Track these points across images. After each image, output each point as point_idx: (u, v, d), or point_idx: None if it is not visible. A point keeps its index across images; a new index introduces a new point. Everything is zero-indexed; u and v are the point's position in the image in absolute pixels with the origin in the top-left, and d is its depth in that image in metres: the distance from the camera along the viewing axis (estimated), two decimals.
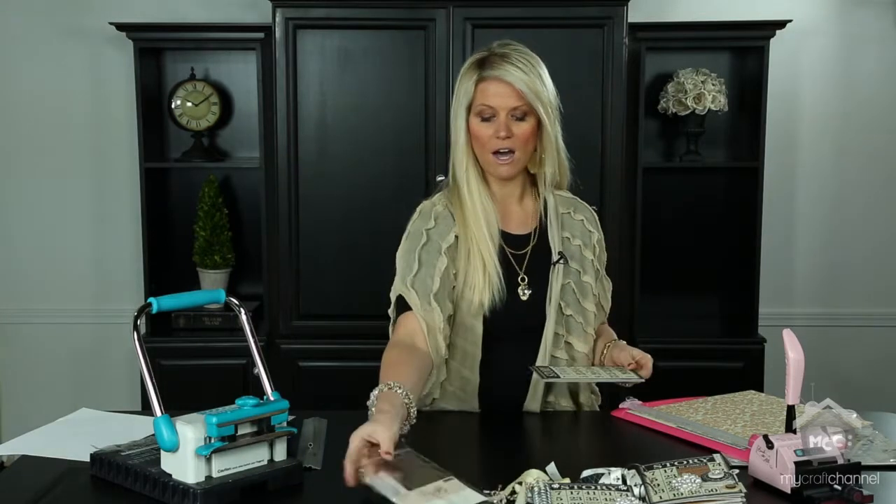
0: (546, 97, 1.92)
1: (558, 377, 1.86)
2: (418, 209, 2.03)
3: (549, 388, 1.99)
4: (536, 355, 1.97)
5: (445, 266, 1.93)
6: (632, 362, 1.93)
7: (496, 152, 1.93)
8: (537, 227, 2.03)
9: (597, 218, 2.11)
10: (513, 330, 1.96)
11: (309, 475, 1.58)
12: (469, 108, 1.94)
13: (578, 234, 2.04)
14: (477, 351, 1.96)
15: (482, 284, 1.92)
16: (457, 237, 1.96)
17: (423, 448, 1.91)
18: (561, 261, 1.99)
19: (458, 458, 1.82)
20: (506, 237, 1.99)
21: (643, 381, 1.91)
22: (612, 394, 2.16)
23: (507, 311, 1.94)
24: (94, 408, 2.03)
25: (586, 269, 2.03)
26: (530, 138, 1.93)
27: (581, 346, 2.00)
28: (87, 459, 1.61)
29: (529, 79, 1.89)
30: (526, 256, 2.00)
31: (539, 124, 1.93)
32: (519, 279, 1.98)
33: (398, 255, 2.00)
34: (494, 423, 1.96)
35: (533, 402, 1.98)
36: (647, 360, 1.94)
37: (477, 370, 1.97)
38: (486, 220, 1.95)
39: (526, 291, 1.97)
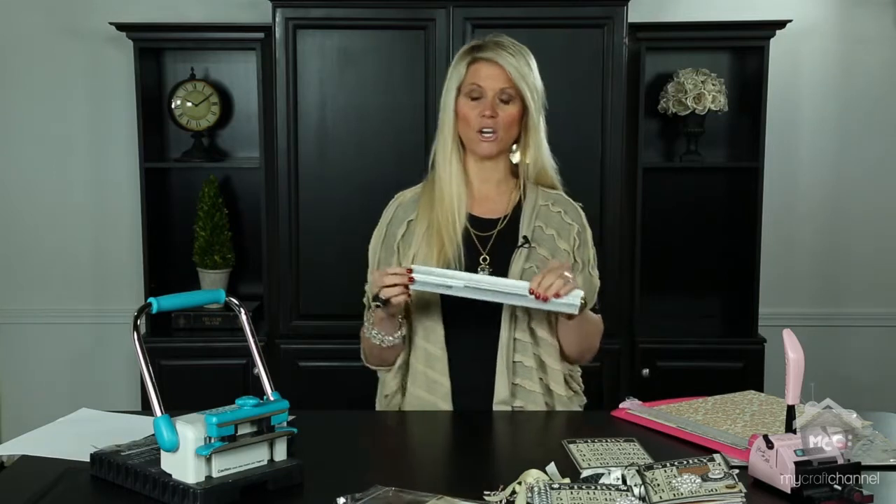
0: (533, 84, 2.02)
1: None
2: (393, 198, 2.18)
3: (515, 369, 2.02)
4: (499, 335, 2.00)
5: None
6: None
7: (480, 130, 2.02)
8: (509, 214, 2.08)
9: (582, 214, 2.14)
10: (472, 308, 1.98)
11: (309, 475, 1.58)
12: (459, 89, 2.04)
13: (554, 224, 2.08)
14: (438, 327, 2.02)
15: (435, 263, 2.00)
16: (409, 222, 2.08)
17: (422, 449, 1.92)
18: (525, 245, 2.04)
19: (458, 458, 1.82)
20: (473, 220, 2.07)
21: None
22: (613, 395, 2.16)
23: None
24: (94, 408, 2.03)
25: (557, 257, 2.05)
26: (514, 122, 2.04)
27: (544, 333, 2.03)
28: (87, 459, 1.61)
29: (519, 64, 2.01)
30: (491, 239, 2.06)
31: (524, 112, 2.03)
32: (480, 259, 2.04)
33: (369, 247, 2.15)
34: (494, 423, 1.97)
35: (501, 386, 1.99)
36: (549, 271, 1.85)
37: (442, 346, 2.02)
38: (456, 203, 2.04)
39: (486, 271, 2.02)
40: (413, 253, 2.05)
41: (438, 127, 2.09)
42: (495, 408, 2.00)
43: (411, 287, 1.89)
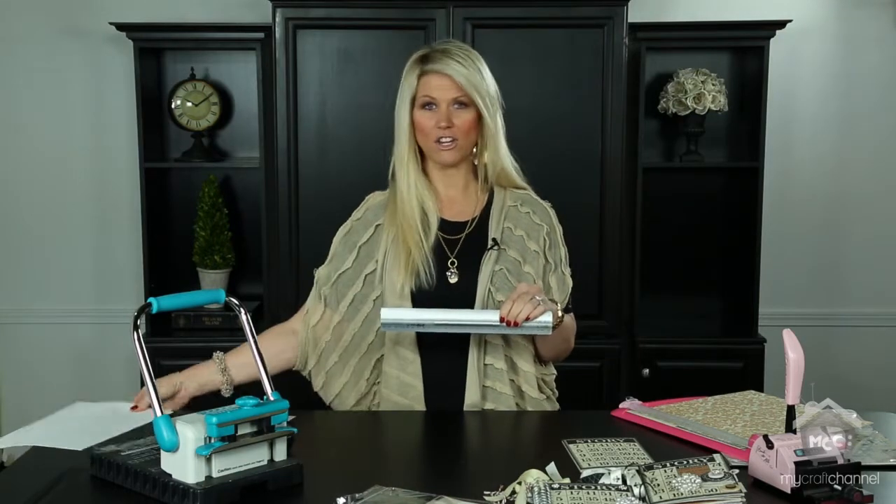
0: (485, 90, 2.00)
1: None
2: (365, 198, 2.16)
3: (486, 371, 2.01)
4: (469, 337, 2.00)
5: (348, 267, 2.07)
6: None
7: (438, 140, 2.01)
8: (477, 216, 2.08)
9: (551, 213, 2.12)
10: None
11: (309, 475, 1.58)
12: (413, 101, 2.03)
13: (523, 225, 2.07)
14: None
15: (403, 269, 2.00)
16: (378, 226, 2.07)
17: (421, 449, 1.92)
18: (495, 247, 2.03)
19: (458, 458, 1.82)
20: (441, 223, 2.06)
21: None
22: (613, 395, 2.16)
23: (435, 292, 1.99)
24: None
25: (528, 259, 2.04)
26: (471, 127, 2.02)
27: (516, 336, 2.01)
28: (84, 448, 1.62)
29: (468, 72, 1.99)
30: (459, 242, 2.05)
31: (480, 115, 2.02)
32: (448, 262, 2.03)
33: (334, 238, 2.14)
34: (494, 423, 1.97)
35: (472, 388, 1.99)
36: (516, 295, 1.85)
37: (415, 349, 2.01)
38: (420, 209, 2.04)
39: (455, 275, 2.02)
40: (380, 259, 2.04)
41: (395, 139, 2.08)
42: (466, 410, 2.00)
43: (383, 329, 1.90)
